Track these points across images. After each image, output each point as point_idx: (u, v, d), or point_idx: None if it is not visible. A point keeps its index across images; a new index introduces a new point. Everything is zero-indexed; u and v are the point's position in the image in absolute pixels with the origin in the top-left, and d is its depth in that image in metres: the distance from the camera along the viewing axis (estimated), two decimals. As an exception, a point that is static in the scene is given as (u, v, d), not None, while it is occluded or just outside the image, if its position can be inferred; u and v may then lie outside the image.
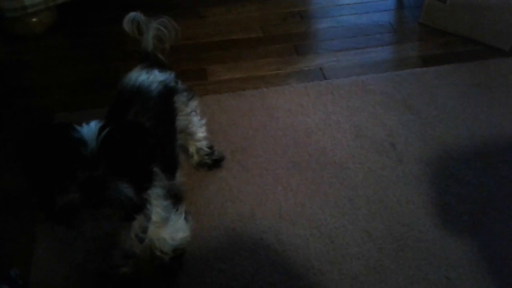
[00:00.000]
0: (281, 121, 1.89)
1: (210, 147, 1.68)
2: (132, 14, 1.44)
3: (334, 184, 1.66)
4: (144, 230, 1.11)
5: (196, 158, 1.68)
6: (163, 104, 1.36)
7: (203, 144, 1.65)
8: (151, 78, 1.36)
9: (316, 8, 2.63)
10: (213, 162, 1.70)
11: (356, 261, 1.45)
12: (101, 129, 0.91)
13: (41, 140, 0.92)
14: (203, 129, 1.62)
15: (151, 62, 1.45)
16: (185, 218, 1.28)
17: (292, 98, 2.00)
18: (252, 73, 2.16)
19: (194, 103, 1.54)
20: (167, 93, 1.39)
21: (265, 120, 1.90)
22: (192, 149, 1.66)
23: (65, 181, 0.88)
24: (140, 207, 0.99)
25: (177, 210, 1.24)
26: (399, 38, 2.39)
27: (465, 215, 1.56)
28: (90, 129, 0.91)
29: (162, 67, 1.45)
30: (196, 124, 1.58)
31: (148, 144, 0.99)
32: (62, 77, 2.16)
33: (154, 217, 1.13)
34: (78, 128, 0.91)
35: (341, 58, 2.25)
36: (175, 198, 1.25)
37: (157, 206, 1.13)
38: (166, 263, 1.32)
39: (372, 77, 2.11)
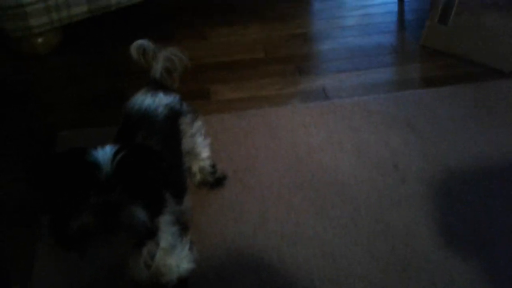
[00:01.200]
0: (284, 140, 1.90)
1: (213, 166, 1.68)
2: (139, 41, 1.48)
3: (336, 203, 1.66)
4: (152, 256, 1.10)
5: (198, 177, 1.68)
6: (170, 127, 1.37)
7: (206, 163, 1.65)
8: (156, 101, 1.37)
9: (318, 29, 2.67)
10: (215, 181, 1.70)
11: (359, 281, 1.43)
12: (116, 153, 0.91)
13: (56, 165, 0.92)
14: (207, 148, 1.63)
15: (156, 85, 1.47)
16: (190, 248, 1.26)
17: (294, 118, 2.01)
18: (255, 93, 2.18)
19: (198, 124, 1.55)
20: (173, 116, 1.40)
21: (268, 140, 1.90)
22: (195, 168, 1.66)
23: (79, 205, 0.87)
24: (152, 232, 0.98)
25: (182, 239, 1.22)
26: (400, 60, 2.42)
27: (468, 235, 1.55)
28: (105, 153, 0.91)
29: (166, 89, 1.47)
30: (201, 145, 1.59)
31: (161, 168, 1.00)
32: (66, 96, 2.18)
33: (163, 244, 1.12)
34: (93, 152, 0.92)
35: (343, 79, 2.27)
36: (182, 226, 1.23)
37: (166, 232, 1.12)
38: None
39: (374, 97, 2.12)
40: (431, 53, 2.41)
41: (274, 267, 1.47)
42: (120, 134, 1.31)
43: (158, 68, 1.51)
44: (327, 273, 1.46)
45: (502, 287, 1.42)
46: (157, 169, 0.98)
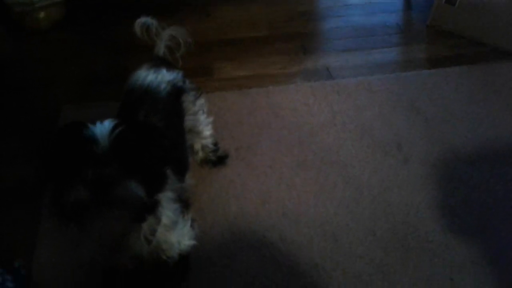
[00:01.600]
0: (286, 119, 1.89)
1: (215, 144, 1.68)
2: (143, 18, 1.47)
3: (338, 183, 1.66)
4: (153, 232, 1.10)
5: (201, 155, 1.68)
6: (172, 104, 1.36)
7: (209, 141, 1.65)
8: (159, 78, 1.35)
9: (323, 7, 2.63)
10: (217, 159, 1.69)
11: (360, 260, 1.44)
12: (114, 128, 0.90)
13: (57, 138, 0.92)
14: (210, 127, 1.62)
15: (159, 61, 1.45)
16: (191, 225, 1.26)
17: (297, 97, 1.99)
18: (258, 71, 2.16)
19: (201, 102, 1.54)
20: (176, 93, 1.39)
21: (270, 119, 1.89)
22: (197, 146, 1.65)
23: (75, 178, 0.87)
24: (152, 208, 0.98)
25: (184, 216, 1.22)
26: (406, 40, 2.38)
27: (470, 217, 1.55)
28: (103, 128, 0.91)
29: (169, 66, 1.45)
30: (203, 123, 1.58)
31: (162, 146, 0.99)
32: (69, 72, 2.17)
33: (164, 220, 1.12)
34: (91, 126, 0.91)
35: (347, 58, 2.24)
36: (183, 203, 1.24)
37: (167, 209, 1.12)
38: (171, 268, 1.29)
39: (379, 77, 2.10)
40: (438, 33, 2.37)
41: (276, 245, 1.48)
42: (122, 110, 1.30)
43: (161, 46, 1.50)
44: (328, 251, 1.46)
45: (503, 269, 1.42)
46: (157, 146, 0.98)
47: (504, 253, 1.46)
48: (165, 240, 1.16)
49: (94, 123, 0.93)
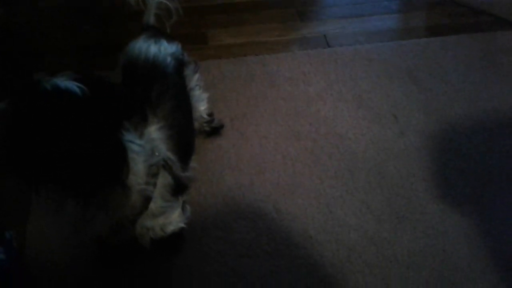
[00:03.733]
0: (282, 89, 1.86)
1: (210, 115, 1.64)
2: None
3: (334, 154, 1.65)
4: (132, 221, 1.04)
5: (195, 125, 1.64)
6: (178, 80, 1.28)
7: (203, 113, 1.60)
8: (162, 50, 1.26)
9: (321, -28, 2.55)
10: (212, 130, 1.67)
11: (354, 232, 1.45)
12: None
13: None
14: (205, 102, 1.55)
15: (155, 31, 1.37)
16: (183, 208, 1.21)
17: (294, 65, 1.95)
18: (254, 38, 2.11)
19: (197, 76, 1.46)
20: (179, 67, 1.30)
21: (266, 88, 1.86)
22: (191, 116, 1.62)
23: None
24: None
25: (177, 199, 1.15)
26: (406, 7, 2.32)
27: (465, 189, 1.55)
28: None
29: (168, 37, 1.35)
30: (199, 99, 1.51)
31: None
32: (60, 41, 2.09)
33: (153, 206, 1.05)
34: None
35: (345, 25, 2.19)
36: (182, 187, 1.15)
37: (160, 196, 1.06)
38: (164, 240, 1.23)
39: (377, 46, 2.06)
40: (439, 1, 2.31)
41: (270, 216, 1.48)
42: (128, 86, 1.17)
43: (150, 14, 1.40)
44: (322, 223, 1.47)
45: (496, 240, 1.43)
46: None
47: (498, 225, 1.47)
48: (145, 225, 1.10)
49: None
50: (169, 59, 1.25)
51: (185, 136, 1.22)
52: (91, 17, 2.22)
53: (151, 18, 1.41)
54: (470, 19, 2.20)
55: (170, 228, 1.17)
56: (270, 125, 1.73)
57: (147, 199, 1.02)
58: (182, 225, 1.23)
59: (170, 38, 1.35)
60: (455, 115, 1.78)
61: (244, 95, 1.83)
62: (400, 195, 1.54)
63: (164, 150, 1.06)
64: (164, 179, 1.05)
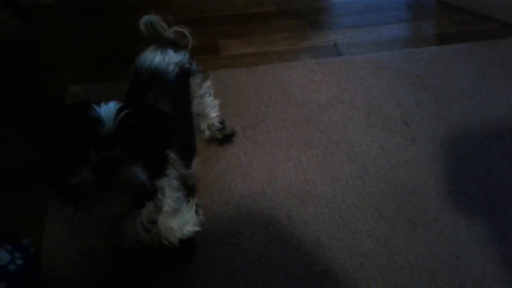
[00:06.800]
0: (293, 97, 1.87)
1: (222, 122, 1.67)
2: (146, 17, 1.46)
3: (345, 162, 1.65)
4: (153, 221, 1.08)
5: (207, 133, 1.67)
6: (180, 87, 1.34)
7: (215, 121, 1.63)
8: (166, 59, 1.33)
9: (331, -18, 2.58)
10: (224, 137, 1.69)
11: (366, 239, 1.45)
12: (119, 110, 0.88)
13: (59, 118, 0.89)
14: (216, 109, 1.60)
15: (166, 41, 1.43)
16: (196, 211, 1.24)
17: (305, 74, 1.97)
18: (265, 48, 2.13)
19: (207, 84, 1.52)
20: (183, 75, 1.36)
21: (277, 96, 1.88)
22: (203, 125, 1.64)
23: (78, 160, 0.85)
24: (151, 194, 0.96)
25: (188, 201, 1.20)
26: (415, 16, 2.34)
27: (478, 196, 1.55)
28: (108, 109, 0.88)
29: (176, 46, 1.42)
30: (210, 105, 1.56)
31: (165, 129, 0.97)
32: (73, 52, 2.14)
33: (165, 207, 1.10)
34: (96, 107, 0.88)
35: (356, 34, 2.21)
36: (188, 189, 1.22)
37: (169, 197, 1.10)
38: (176, 249, 1.28)
39: (387, 54, 2.07)
40: (447, 9, 2.32)
41: (282, 223, 1.48)
42: (131, 92, 1.27)
43: (169, 34, 1.50)
44: (334, 230, 1.47)
45: (509, 248, 1.42)
46: (162, 130, 0.96)
47: (511, 232, 1.46)
48: (165, 226, 1.14)
49: (98, 103, 0.90)
50: (171, 67, 1.32)
51: (185, 137, 1.29)
52: (104, 28, 2.27)
53: (170, 34, 1.49)
54: (479, 26, 2.21)
55: (188, 228, 1.22)
56: (281, 133, 1.74)
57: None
58: (197, 228, 1.26)
59: (178, 48, 1.41)
60: (467, 122, 1.78)
61: (255, 103, 1.85)
62: (413, 202, 1.53)
63: None
64: (168, 179, 1.08)
